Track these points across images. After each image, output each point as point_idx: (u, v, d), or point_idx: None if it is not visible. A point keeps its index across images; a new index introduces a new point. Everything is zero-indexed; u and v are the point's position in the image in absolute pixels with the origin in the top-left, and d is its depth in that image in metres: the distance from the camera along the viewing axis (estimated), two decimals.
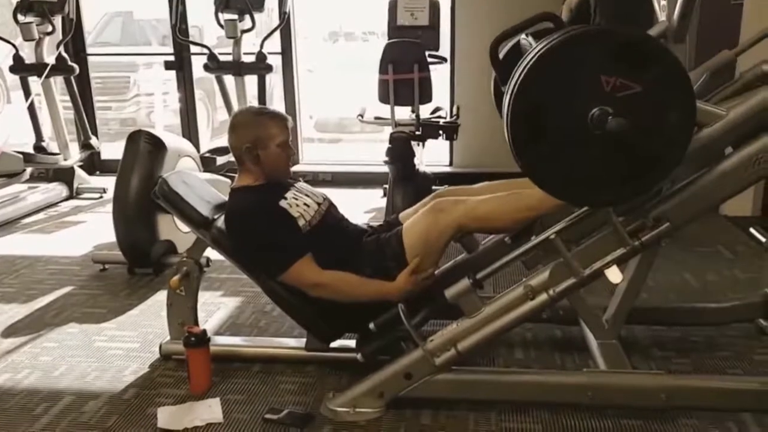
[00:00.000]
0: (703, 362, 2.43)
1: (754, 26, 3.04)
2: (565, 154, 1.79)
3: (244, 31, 4.50)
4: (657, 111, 1.74)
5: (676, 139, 1.78)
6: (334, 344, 2.41)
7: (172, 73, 5.47)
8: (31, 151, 4.81)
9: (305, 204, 2.32)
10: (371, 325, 2.17)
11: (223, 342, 2.60)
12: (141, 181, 3.23)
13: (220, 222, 2.36)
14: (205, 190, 2.56)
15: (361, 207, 4.49)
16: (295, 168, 5.20)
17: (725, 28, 3.77)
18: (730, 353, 2.48)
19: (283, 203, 2.26)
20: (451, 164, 5.28)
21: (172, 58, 5.39)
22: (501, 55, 2.25)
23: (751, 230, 2.91)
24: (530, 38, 2.22)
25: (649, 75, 1.71)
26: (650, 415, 2.09)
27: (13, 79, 5.06)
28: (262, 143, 2.28)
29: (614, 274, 2.00)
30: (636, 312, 2.46)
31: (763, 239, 2.74)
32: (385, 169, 3.93)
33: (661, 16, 2.24)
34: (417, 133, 3.92)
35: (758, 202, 4.05)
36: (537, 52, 1.75)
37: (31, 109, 4.88)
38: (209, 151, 4.46)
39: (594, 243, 2.01)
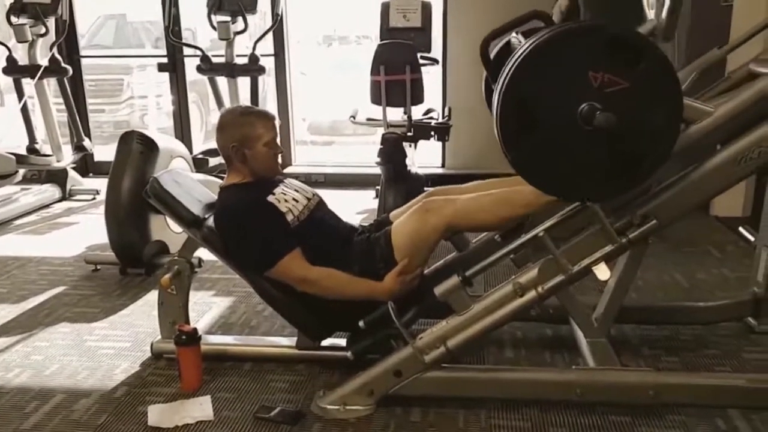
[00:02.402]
0: (692, 360, 2.45)
1: (743, 27, 3.06)
2: (554, 150, 1.80)
3: (236, 33, 4.51)
4: (644, 107, 1.75)
5: (663, 136, 1.79)
6: (324, 343, 2.43)
7: (166, 76, 5.49)
8: (24, 152, 4.80)
9: (294, 199, 2.33)
10: (361, 323, 2.17)
11: (214, 341, 2.60)
12: (133, 182, 3.23)
13: (211, 221, 2.37)
14: (197, 190, 2.57)
15: (353, 208, 4.50)
16: (288, 170, 5.27)
17: (716, 29, 3.80)
18: (719, 351, 2.50)
19: (271, 198, 2.27)
20: (443, 166, 5.30)
21: (165, 60, 5.40)
22: (492, 54, 2.27)
23: (741, 230, 2.94)
24: (520, 36, 2.23)
25: (637, 71, 1.72)
26: (639, 411, 2.10)
27: (7, 81, 5.06)
28: (249, 143, 2.29)
29: (602, 271, 2.02)
30: (626, 311, 2.48)
31: (752, 238, 2.76)
32: (378, 170, 3.94)
33: (650, 15, 2.25)
34: (409, 134, 3.94)
35: (748, 203, 4.07)
36: (526, 48, 1.77)
37: (24, 111, 4.87)
38: (202, 153, 4.46)
39: (582, 240, 2.02)
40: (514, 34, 2.30)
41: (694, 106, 1.98)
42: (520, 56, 1.77)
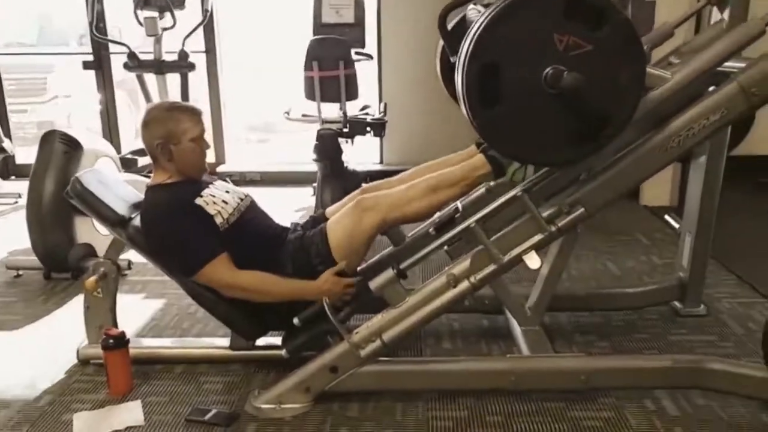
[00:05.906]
0: (623, 344, 2.51)
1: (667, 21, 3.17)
2: (520, 115, 1.80)
3: (164, 29, 4.40)
4: (609, 69, 1.76)
5: (627, 98, 1.80)
6: (259, 342, 2.38)
7: (92, 74, 5.31)
8: None
9: (223, 201, 2.25)
10: (296, 320, 2.14)
11: (144, 344, 2.52)
12: (56, 183, 3.10)
13: (137, 220, 2.29)
14: (122, 189, 2.48)
15: (290, 205, 4.45)
16: (222, 168, 5.17)
17: (640, 23, 3.89)
18: (647, 335, 2.57)
19: (198, 201, 2.19)
20: (381, 161, 5.30)
21: (90, 58, 5.22)
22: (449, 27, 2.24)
23: (666, 217, 3.03)
24: (479, 6, 2.21)
25: (601, 33, 1.73)
26: (572, 397, 2.14)
27: None
28: (175, 138, 2.20)
29: (533, 260, 2.03)
30: (560, 299, 2.54)
31: (677, 225, 2.85)
32: (314, 167, 3.90)
33: None
34: (344, 130, 3.91)
35: (674, 192, 4.22)
36: (489, 13, 1.75)
37: None
38: (131, 152, 4.34)
39: (512, 230, 2.04)
40: (471, 6, 2.29)
41: (653, 73, 1.98)
42: (484, 21, 1.74)
